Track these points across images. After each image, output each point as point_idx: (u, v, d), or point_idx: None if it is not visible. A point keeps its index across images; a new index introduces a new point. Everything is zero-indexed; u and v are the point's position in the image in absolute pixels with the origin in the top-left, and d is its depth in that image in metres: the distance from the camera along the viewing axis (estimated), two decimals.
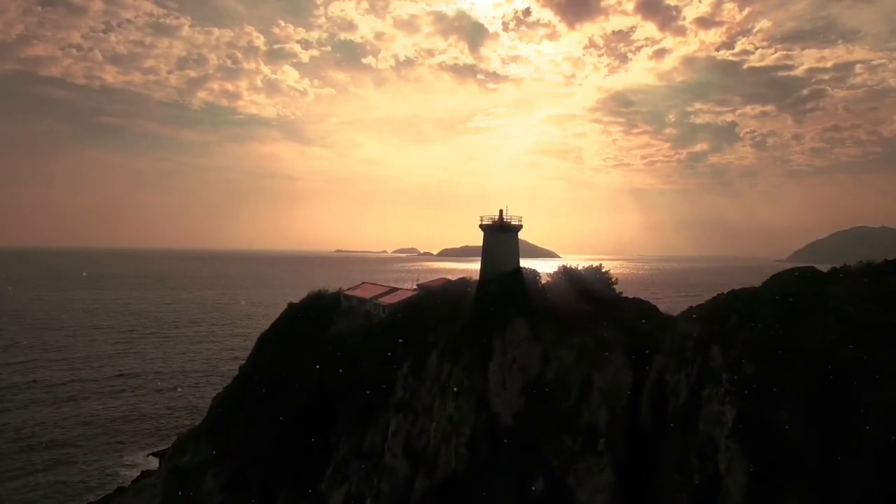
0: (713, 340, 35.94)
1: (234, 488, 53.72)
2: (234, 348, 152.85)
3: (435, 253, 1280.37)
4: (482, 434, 39.43)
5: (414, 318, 51.80)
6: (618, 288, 64.78)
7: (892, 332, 28.95)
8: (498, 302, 44.31)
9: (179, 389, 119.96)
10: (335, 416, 51.22)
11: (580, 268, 66.20)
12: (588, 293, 58.63)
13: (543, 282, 55.57)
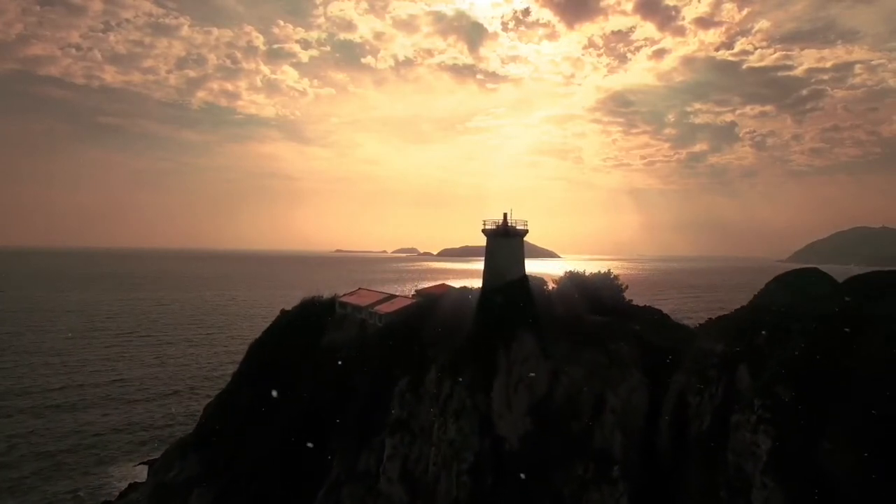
0: (740, 359, 32.66)
1: None
2: (232, 352, 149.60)
3: (435, 253, 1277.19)
4: (486, 460, 36.12)
5: (412, 329, 48.45)
6: (629, 291, 61.67)
7: None
8: (502, 314, 41.00)
9: (175, 395, 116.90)
10: (328, 433, 47.90)
11: (587, 273, 63.12)
12: (596, 301, 55.42)
13: (549, 289, 52.44)
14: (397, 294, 63.78)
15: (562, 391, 37.66)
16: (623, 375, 38.33)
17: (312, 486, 46.56)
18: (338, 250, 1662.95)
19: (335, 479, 45.24)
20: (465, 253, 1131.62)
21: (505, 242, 46.04)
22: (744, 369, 31.96)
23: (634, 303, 63.33)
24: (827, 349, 28.61)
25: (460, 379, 38.54)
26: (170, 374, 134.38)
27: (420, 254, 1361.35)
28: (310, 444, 48.21)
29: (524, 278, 44.57)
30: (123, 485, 76.49)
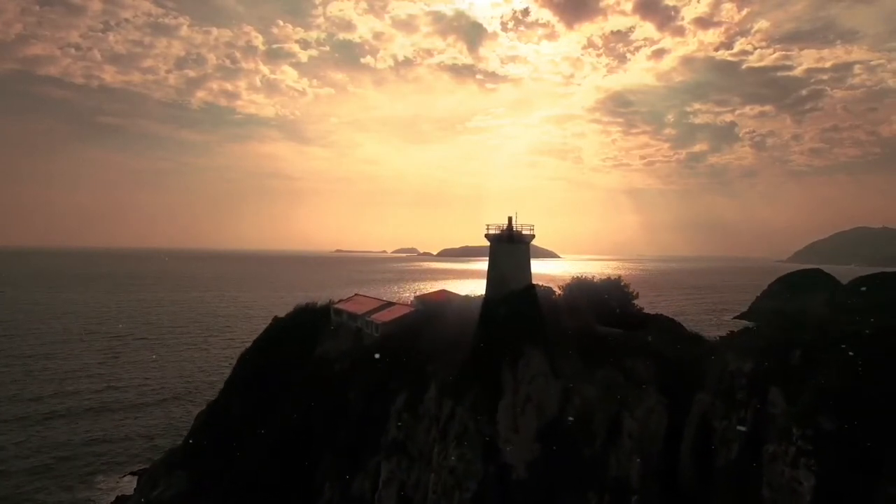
0: (772, 380, 29.49)
1: None
2: (229, 356, 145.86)
3: (435, 253, 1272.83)
4: (491, 489, 32.90)
5: (410, 340, 45.19)
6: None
7: None
8: (507, 327, 37.75)
9: (168, 403, 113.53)
10: (320, 453, 44.71)
11: (595, 279, 59.85)
12: (605, 309, 52.21)
13: (556, 298, 49.20)
14: (395, 301, 60.55)
15: (573, 413, 34.47)
16: (640, 395, 35.16)
17: None
18: (337, 250, 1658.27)
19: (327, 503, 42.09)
20: (464, 253, 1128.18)
21: (510, 249, 42.77)
22: (777, 392, 28.80)
23: (641, 308, 60.49)
24: (876, 372, 25.42)
25: (462, 399, 35.32)
26: (164, 379, 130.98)
27: (420, 254, 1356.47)
28: (300, 464, 45.15)
29: (530, 287, 41.26)
30: (111, 497, 73.49)
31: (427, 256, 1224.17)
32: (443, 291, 64.39)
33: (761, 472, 26.95)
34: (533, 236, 44.44)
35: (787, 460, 25.70)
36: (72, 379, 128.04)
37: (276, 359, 57.07)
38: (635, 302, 57.42)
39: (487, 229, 43.78)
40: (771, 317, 35.37)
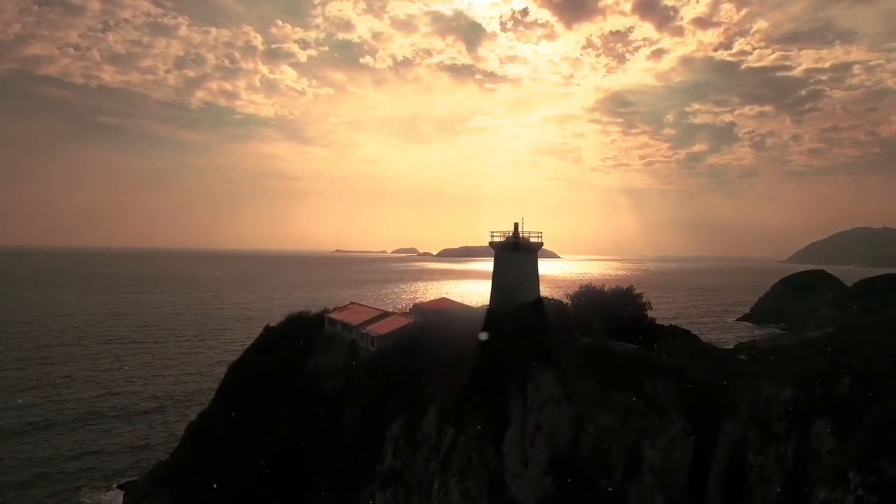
0: (817, 412, 26.06)
1: None
2: (226, 361, 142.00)
3: (435, 253, 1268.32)
4: None
5: (407, 356, 41.66)
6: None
7: None
8: (515, 346, 34.27)
9: (160, 412, 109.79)
10: (310, 479, 41.23)
11: (605, 288, 56.41)
12: (616, 320, 48.78)
13: (568, 312, 45.72)
14: (392, 311, 56.99)
15: (589, 443, 31.02)
16: (662, 423, 31.72)
17: None
18: (337, 250, 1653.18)
19: None
20: (464, 253, 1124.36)
21: (516, 258, 39.31)
22: (823, 426, 25.36)
23: (654, 319, 57.07)
24: None
25: (465, 426, 31.84)
26: (158, 385, 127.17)
27: (420, 254, 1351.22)
28: (289, 490, 41.73)
29: (539, 302, 37.77)
30: None
31: (427, 257, 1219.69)
32: (443, 300, 60.94)
33: None
34: (541, 244, 40.99)
35: None
36: (63, 385, 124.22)
37: (266, 373, 53.53)
38: (647, 312, 54.11)
39: (492, 236, 40.36)
40: (813, 340, 31.73)
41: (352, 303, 65.54)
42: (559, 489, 30.06)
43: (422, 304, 58.67)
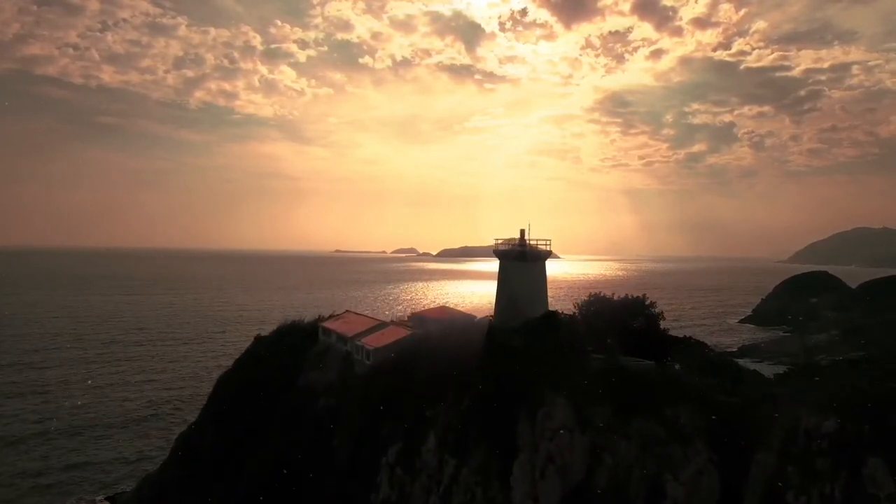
0: (870, 448, 23.00)
1: None
2: (222, 366, 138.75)
3: (434, 253, 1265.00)
4: None
5: (405, 373, 38.59)
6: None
7: None
8: (523, 367, 31.17)
9: (153, 420, 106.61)
10: (300, 503, 38.14)
11: (614, 296, 53.32)
12: (626, 331, 45.71)
13: (570, 321, 42.62)
14: (389, 322, 53.85)
15: (605, 476, 27.93)
16: (686, 453, 28.60)
17: None
18: (337, 250, 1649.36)
19: None
20: (464, 253, 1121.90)
21: (523, 268, 36.19)
22: (878, 465, 22.30)
23: (667, 329, 53.98)
24: None
25: (468, 457, 28.76)
26: (154, 391, 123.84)
27: (419, 254, 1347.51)
28: None
29: (550, 315, 34.65)
30: None
31: (427, 257, 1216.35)
32: (443, 308, 57.87)
33: None
34: (550, 252, 37.88)
35: None
36: (56, 391, 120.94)
37: (255, 387, 50.39)
38: (659, 322, 51.02)
39: (496, 244, 37.21)
40: (852, 361, 28.57)
41: (347, 311, 62.47)
42: None
43: (421, 312, 55.59)
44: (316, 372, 47.78)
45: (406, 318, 57.88)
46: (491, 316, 44.14)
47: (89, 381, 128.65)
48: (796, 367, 33.99)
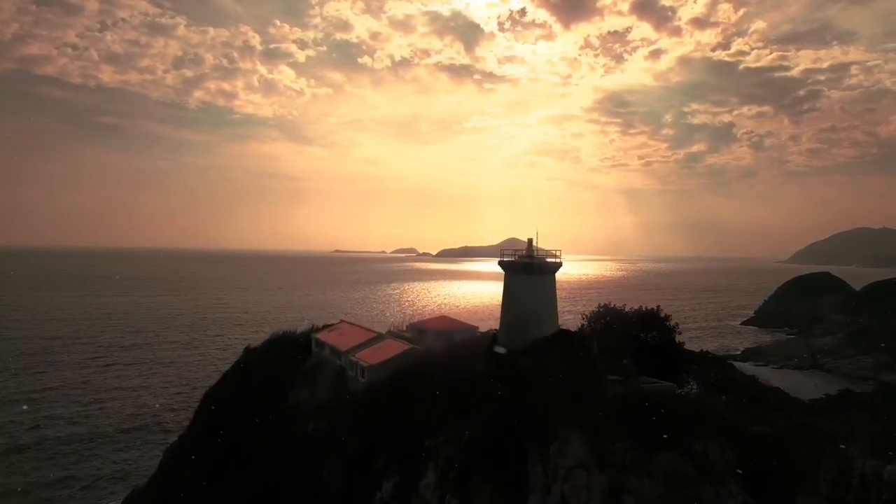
0: None
1: None
2: (220, 370, 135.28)
3: (434, 253, 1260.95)
4: None
5: (402, 394, 35.35)
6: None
7: None
8: (532, 394, 27.95)
9: (148, 429, 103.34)
10: None
11: (626, 308, 50.18)
12: (639, 346, 42.56)
13: (584, 341, 39.42)
14: (386, 334, 50.63)
15: None
16: (717, 493, 25.41)
17: None
18: (336, 250, 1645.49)
19: None
20: (464, 253, 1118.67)
21: (530, 282, 32.96)
22: None
23: (683, 343, 50.81)
24: None
25: (472, 497, 25.54)
26: (149, 398, 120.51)
27: (419, 254, 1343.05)
28: None
29: (562, 335, 31.40)
30: None
31: (426, 257, 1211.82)
32: (444, 318, 54.71)
33: None
34: (560, 264, 34.62)
35: None
36: (45, 399, 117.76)
37: (243, 404, 47.13)
38: (675, 336, 47.86)
39: (502, 256, 33.95)
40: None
41: (342, 321, 59.17)
42: None
43: (420, 322, 52.37)
44: (307, 390, 44.56)
45: (404, 328, 54.77)
46: (494, 330, 41.12)
47: (84, 388, 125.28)
48: (828, 396, 30.81)
